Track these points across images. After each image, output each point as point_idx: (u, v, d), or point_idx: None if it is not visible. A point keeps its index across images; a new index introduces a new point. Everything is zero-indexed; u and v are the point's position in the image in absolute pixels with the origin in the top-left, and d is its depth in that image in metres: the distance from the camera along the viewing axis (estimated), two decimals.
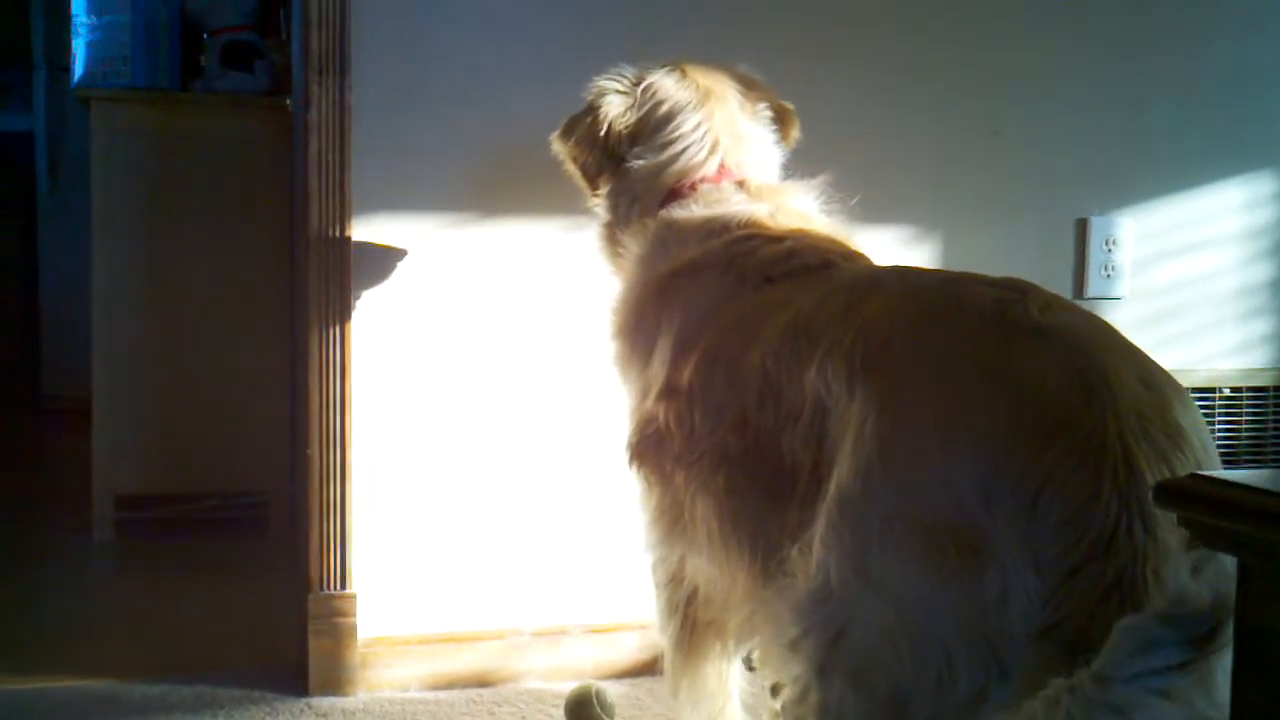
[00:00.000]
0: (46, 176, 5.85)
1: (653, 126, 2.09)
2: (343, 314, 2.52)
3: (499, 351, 2.61)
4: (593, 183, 2.17)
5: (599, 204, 2.18)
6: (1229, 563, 1.19)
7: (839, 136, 2.70)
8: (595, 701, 2.35)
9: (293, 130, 3.55)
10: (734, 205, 1.99)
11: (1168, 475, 1.29)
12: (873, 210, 2.70)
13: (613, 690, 2.42)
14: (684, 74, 2.12)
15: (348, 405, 2.52)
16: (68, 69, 4.20)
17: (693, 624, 2.00)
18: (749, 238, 1.92)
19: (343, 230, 2.50)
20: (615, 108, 2.11)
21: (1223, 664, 1.11)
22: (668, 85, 2.11)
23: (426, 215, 2.57)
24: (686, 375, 1.82)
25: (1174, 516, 1.18)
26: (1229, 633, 1.09)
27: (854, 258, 1.90)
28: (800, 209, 2.01)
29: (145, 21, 3.86)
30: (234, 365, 3.84)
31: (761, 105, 2.16)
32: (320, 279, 2.51)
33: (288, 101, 3.77)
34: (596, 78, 2.15)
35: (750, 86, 2.17)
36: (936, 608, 1.32)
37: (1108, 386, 1.33)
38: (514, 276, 2.61)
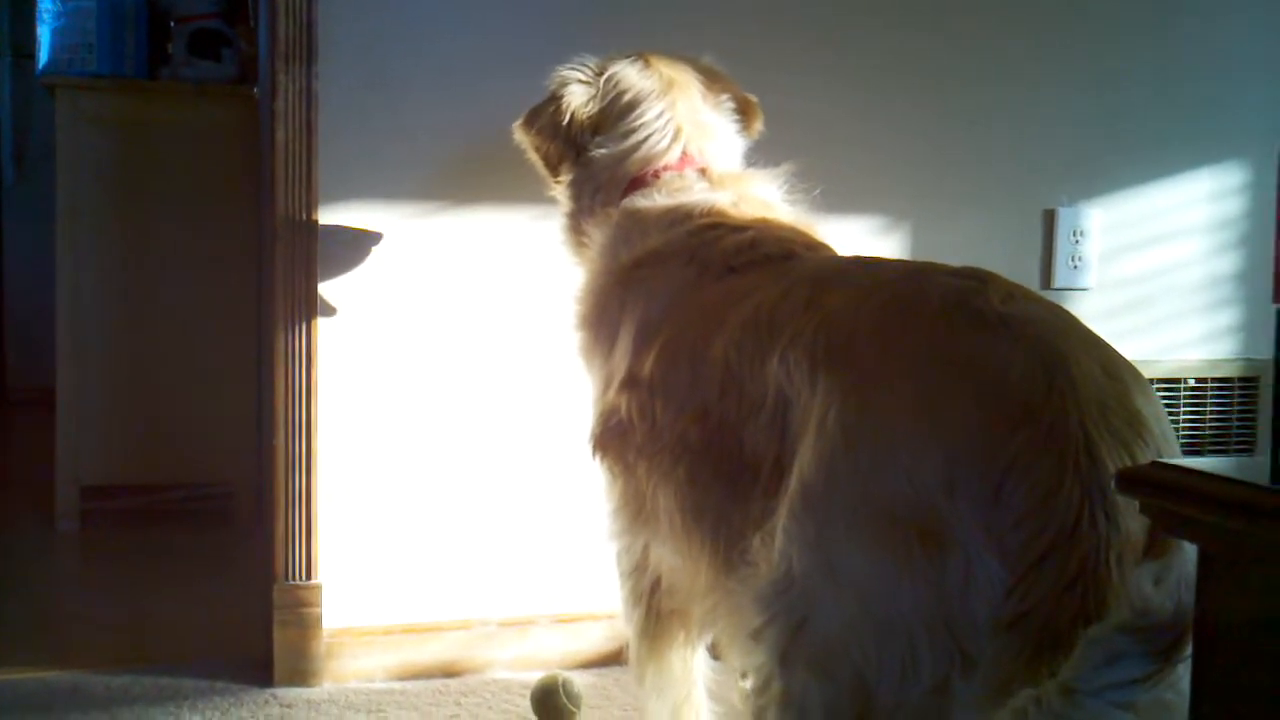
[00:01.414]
0: (11, 165, 5.80)
1: (615, 115, 2.09)
2: (309, 303, 2.51)
3: (466, 341, 2.60)
4: (555, 172, 2.17)
5: (561, 193, 2.17)
6: (1190, 572, 1.20)
7: (808, 126, 2.71)
8: (562, 691, 2.35)
9: (260, 120, 3.53)
10: (696, 194, 1.99)
11: (1129, 463, 1.29)
12: (842, 200, 2.72)
13: (579, 680, 2.41)
14: (647, 64, 2.12)
15: (314, 394, 2.51)
16: (32, 56, 4.16)
17: (657, 613, 2.00)
18: (711, 227, 1.91)
19: (309, 219, 2.49)
20: (578, 97, 2.10)
21: (1187, 675, 1.12)
22: (631, 75, 2.10)
23: (394, 204, 2.55)
24: (648, 366, 1.82)
25: (1136, 504, 1.19)
26: (1189, 645, 1.10)
27: (817, 247, 1.90)
28: (763, 198, 2.01)
29: (111, 8, 3.82)
30: (201, 356, 3.82)
31: (724, 96, 2.16)
32: (287, 268, 2.49)
33: (255, 90, 3.74)
34: (559, 67, 2.14)
35: (713, 78, 2.16)
36: (899, 596, 1.32)
37: (1069, 376, 1.34)
38: (482, 266, 2.60)
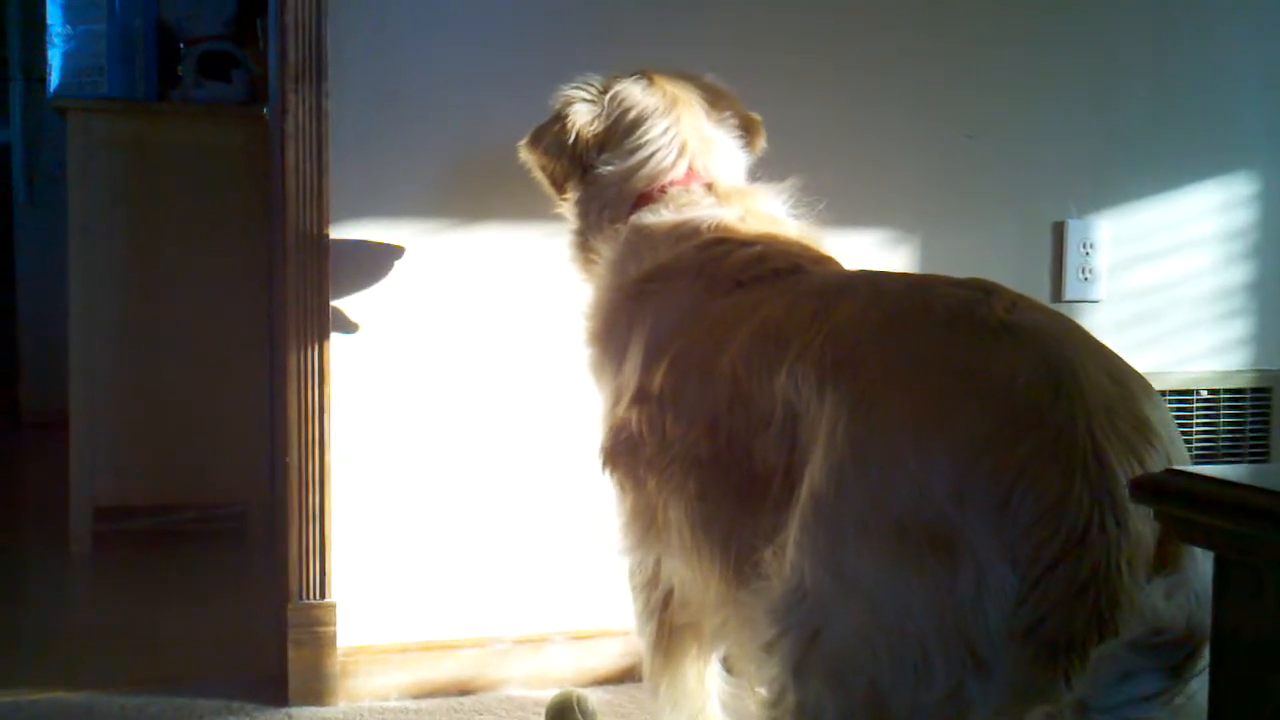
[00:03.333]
0: (23, 188, 5.83)
1: (621, 133, 2.11)
2: (321, 322, 2.51)
3: (478, 357, 2.60)
4: (560, 190, 2.19)
5: (569, 211, 2.19)
6: (1202, 585, 1.20)
7: (816, 140, 2.72)
8: (577, 708, 2.34)
9: (270, 139, 3.54)
10: (703, 209, 2.00)
11: (1137, 468, 1.30)
12: (851, 214, 2.72)
13: (594, 697, 2.42)
14: (651, 81, 2.14)
15: (326, 412, 2.51)
16: (44, 80, 4.19)
17: (670, 627, 2.01)
18: (719, 242, 1.93)
19: (321, 238, 2.50)
20: (583, 116, 2.12)
21: (1200, 690, 1.12)
22: (635, 92, 2.12)
23: (405, 221, 2.56)
24: (658, 381, 1.83)
25: (1149, 511, 1.19)
26: (1204, 660, 1.10)
27: (823, 261, 1.91)
28: (769, 212, 2.03)
29: (121, 31, 3.85)
30: (212, 376, 3.83)
31: (728, 113, 2.18)
32: (298, 287, 2.50)
33: (265, 111, 3.76)
34: (563, 86, 2.16)
35: (717, 95, 2.18)
36: (911, 605, 1.33)
37: (1075, 382, 1.34)
38: (494, 281, 2.61)
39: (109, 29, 3.83)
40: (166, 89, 3.97)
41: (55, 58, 3.87)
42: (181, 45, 4.00)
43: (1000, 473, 1.30)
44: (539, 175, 2.20)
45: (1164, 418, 1.39)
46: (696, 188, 2.05)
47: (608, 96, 2.13)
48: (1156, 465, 1.31)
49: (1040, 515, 1.28)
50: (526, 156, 2.20)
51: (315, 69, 2.48)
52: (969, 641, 1.30)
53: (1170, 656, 1.12)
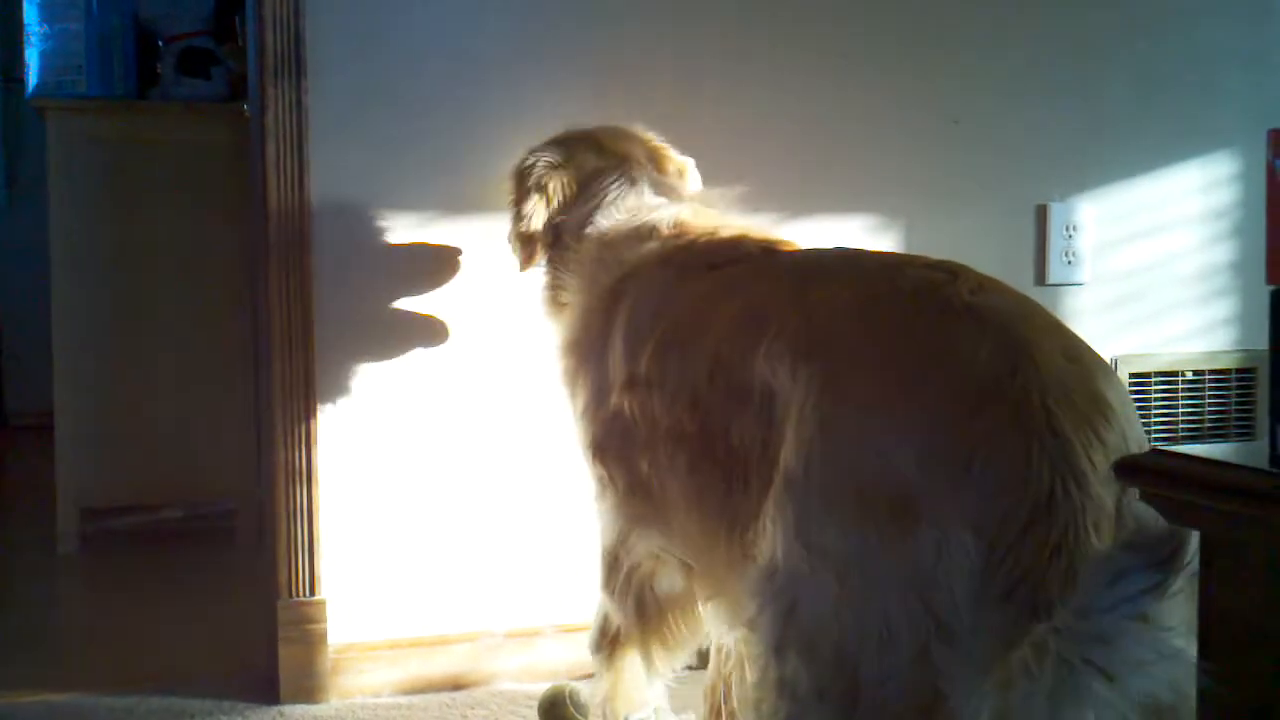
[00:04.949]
0: (4, 189, 5.81)
1: (581, 192, 2.24)
2: (305, 318, 2.50)
3: (466, 352, 2.60)
4: (530, 258, 2.31)
5: (542, 271, 2.30)
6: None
7: (804, 127, 2.71)
8: (569, 701, 2.35)
9: (251, 135, 3.53)
10: (658, 211, 2.12)
11: (1094, 441, 1.36)
12: (837, 199, 2.73)
13: (586, 690, 2.41)
14: (601, 146, 2.27)
15: (313, 407, 2.50)
16: (22, 80, 4.17)
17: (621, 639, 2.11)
18: (680, 235, 2.05)
19: (302, 234, 2.49)
20: (554, 188, 2.26)
21: (1190, 586, 1.17)
22: (590, 159, 2.26)
23: (388, 216, 2.55)
24: (644, 365, 1.89)
25: (1106, 473, 1.23)
26: (1190, 551, 1.14)
27: (781, 245, 1.99)
28: (715, 209, 2.15)
29: (99, 30, 3.83)
30: (197, 374, 3.82)
31: (669, 166, 2.33)
32: (281, 284, 2.49)
33: (246, 107, 3.74)
34: (525, 156, 2.28)
35: (654, 147, 2.33)
36: (870, 568, 1.39)
37: (1031, 360, 1.40)
38: (479, 276, 2.60)
39: (86, 28, 3.81)
40: (146, 87, 3.95)
41: (33, 57, 3.85)
42: (160, 43, 3.98)
43: (959, 445, 1.36)
44: (514, 249, 2.34)
45: (1120, 396, 1.45)
46: (642, 183, 2.19)
47: (572, 167, 2.27)
48: (1113, 439, 1.37)
49: (1002, 485, 1.33)
50: (511, 240, 2.34)
51: (294, 63, 2.47)
52: (929, 605, 1.35)
53: (1157, 551, 1.17)
